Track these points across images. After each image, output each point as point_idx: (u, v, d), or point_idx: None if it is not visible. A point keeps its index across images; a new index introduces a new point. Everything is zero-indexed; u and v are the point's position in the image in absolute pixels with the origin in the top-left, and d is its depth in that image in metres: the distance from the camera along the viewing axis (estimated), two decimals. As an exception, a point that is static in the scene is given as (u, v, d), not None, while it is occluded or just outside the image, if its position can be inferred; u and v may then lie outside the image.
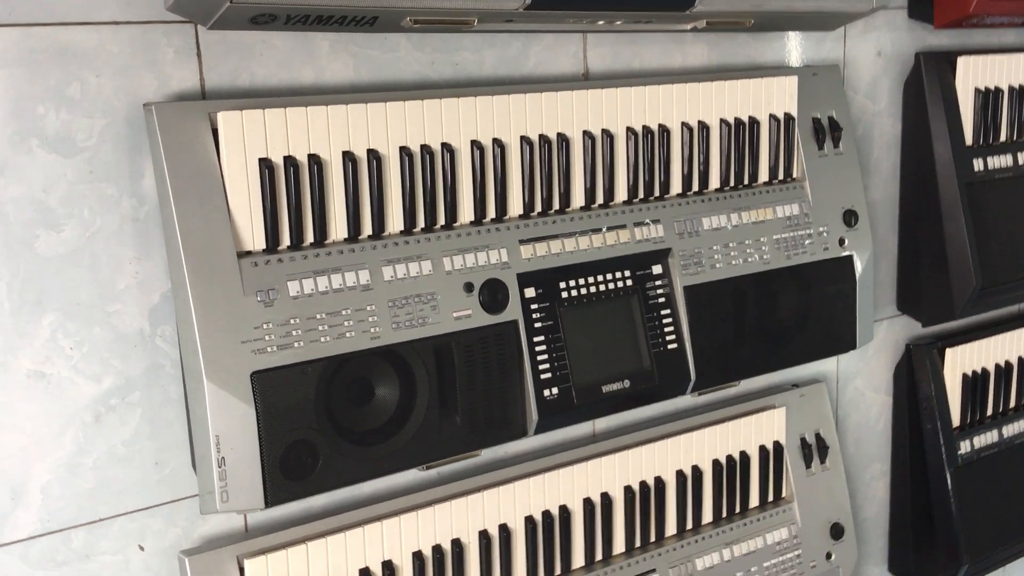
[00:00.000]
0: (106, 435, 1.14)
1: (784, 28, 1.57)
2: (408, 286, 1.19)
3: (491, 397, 1.24)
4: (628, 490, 1.43)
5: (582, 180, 1.32)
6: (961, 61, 1.71)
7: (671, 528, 1.49)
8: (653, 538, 1.47)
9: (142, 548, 1.17)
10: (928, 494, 1.83)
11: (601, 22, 1.30)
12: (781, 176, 1.50)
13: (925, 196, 1.73)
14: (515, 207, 1.27)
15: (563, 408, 1.30)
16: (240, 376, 1.07)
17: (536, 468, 1.37)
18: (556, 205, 1.30)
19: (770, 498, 1.59)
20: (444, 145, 1.21)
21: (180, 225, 1.06)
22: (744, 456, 1.55)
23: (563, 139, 1.29)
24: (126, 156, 1.11)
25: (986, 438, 1.85)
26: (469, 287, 1.23)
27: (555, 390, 1.29)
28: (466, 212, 1.24)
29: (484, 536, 1.31)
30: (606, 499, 1.41)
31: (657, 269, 1.39)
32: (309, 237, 1.14)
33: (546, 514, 1.36)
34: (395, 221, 1.19)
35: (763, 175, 1.49)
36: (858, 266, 1.57)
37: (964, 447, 1.82)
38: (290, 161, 1.11)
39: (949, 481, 1.79)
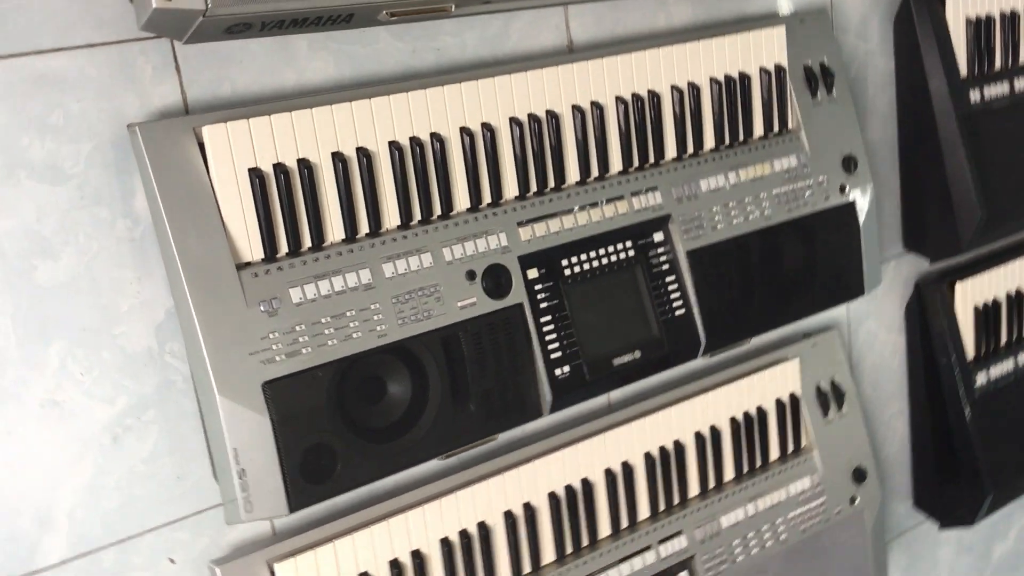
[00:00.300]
0: (126, 455, 1.14)
1: (768, -24, 1.55)
2: (410, 280, 1.18)
3: (503, 382, 1.24)
4: (648, 457, 1.44)
5: (575, 155, 1.31)
6: (950, -9, 1.68)
7: (694, 489, 1.49)
8: (677, 501, 1.48)
9: (173, 561, 1.19)
10: (948, 428, 1.83)
11: (580, -8, 1.28)
12: (776, 129, 1.49)
13: (923, 132, 1.71)
14: (510, 190, 1.26)
15: (575, 385, 1.30)
16: (252, 388, 1.08)
17: (555, 444, 1.37)
18: (551, 183, 1.29)
19: (790, 450, 1.59)
20: (433, 135, 1.20)
21: (176, 244, 1.05)
22: (761, 411, 1.55)
23: (552, 116, 1.28)
24: (115, 178, 1.10)
25: (1002, 368, 1.85)
26: (471, 275, 1.22)
27: (566, 368, 1.29)
28: (461, 200, 1.23)
29: (509, 516, 1.32)
30: (627, 468, 1.42)
31: (658, 236, 1.38)
32: (307, 242, 1.13)
33: (569, 489, 1.37)
34: (391, 217, 1.18)
35: (758, 130, 1.47)
36: (861, 212, 1.55)
37: (980, 379, 1.82)
38: (280, 168, 1.10)
39: (968, 413, 1.80)
